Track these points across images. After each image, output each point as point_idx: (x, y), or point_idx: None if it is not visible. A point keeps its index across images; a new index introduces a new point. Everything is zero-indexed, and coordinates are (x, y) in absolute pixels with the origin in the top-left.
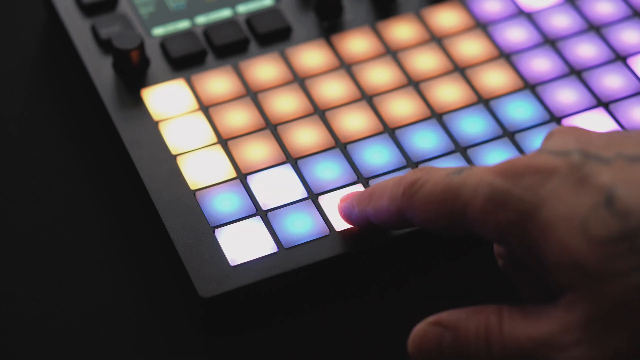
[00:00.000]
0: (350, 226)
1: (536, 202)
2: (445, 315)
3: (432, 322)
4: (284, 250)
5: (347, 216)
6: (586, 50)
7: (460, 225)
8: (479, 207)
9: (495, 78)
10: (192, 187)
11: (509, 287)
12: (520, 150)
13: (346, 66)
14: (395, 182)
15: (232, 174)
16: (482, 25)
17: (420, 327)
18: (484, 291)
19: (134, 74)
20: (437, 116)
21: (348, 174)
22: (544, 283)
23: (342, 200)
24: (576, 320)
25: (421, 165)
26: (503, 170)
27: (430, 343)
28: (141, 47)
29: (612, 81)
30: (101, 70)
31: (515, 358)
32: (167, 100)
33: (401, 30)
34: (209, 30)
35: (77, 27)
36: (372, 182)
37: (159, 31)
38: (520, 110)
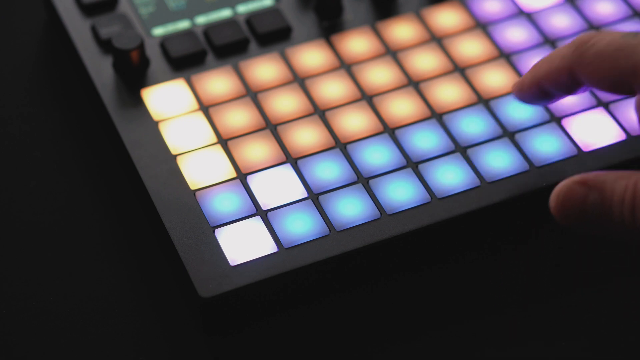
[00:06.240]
0: (351, 225)
1: None
2: (592, 176)
3: (578, 180)
4: (284, 250)
5: (518, 85)
6: None
7: (627, 85)
8: None
9: (495, 78)
10: (192, 187)
11: (508, 287)
12: (520, 150)
13: (346, 66)
14: (568, 43)
15: (232, 174)
16: (482, 25)
17: (565, 184)
18: (481, 291)
19: (134, 74)
20: (437, 116)
21: (348, 174)
22: None
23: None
24: None
25: (422, 166)
26: None
27: (574, 200)
28: (141, 47)
29: None
30: (101, 70)
31: None
32: (167, 100)
33: (401, 30)
34: (209, 30)
35: (77, 27)
36: (372, 182)
37: (159, 31)
38: (520, 110)
